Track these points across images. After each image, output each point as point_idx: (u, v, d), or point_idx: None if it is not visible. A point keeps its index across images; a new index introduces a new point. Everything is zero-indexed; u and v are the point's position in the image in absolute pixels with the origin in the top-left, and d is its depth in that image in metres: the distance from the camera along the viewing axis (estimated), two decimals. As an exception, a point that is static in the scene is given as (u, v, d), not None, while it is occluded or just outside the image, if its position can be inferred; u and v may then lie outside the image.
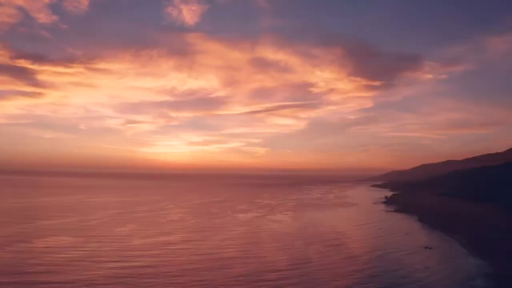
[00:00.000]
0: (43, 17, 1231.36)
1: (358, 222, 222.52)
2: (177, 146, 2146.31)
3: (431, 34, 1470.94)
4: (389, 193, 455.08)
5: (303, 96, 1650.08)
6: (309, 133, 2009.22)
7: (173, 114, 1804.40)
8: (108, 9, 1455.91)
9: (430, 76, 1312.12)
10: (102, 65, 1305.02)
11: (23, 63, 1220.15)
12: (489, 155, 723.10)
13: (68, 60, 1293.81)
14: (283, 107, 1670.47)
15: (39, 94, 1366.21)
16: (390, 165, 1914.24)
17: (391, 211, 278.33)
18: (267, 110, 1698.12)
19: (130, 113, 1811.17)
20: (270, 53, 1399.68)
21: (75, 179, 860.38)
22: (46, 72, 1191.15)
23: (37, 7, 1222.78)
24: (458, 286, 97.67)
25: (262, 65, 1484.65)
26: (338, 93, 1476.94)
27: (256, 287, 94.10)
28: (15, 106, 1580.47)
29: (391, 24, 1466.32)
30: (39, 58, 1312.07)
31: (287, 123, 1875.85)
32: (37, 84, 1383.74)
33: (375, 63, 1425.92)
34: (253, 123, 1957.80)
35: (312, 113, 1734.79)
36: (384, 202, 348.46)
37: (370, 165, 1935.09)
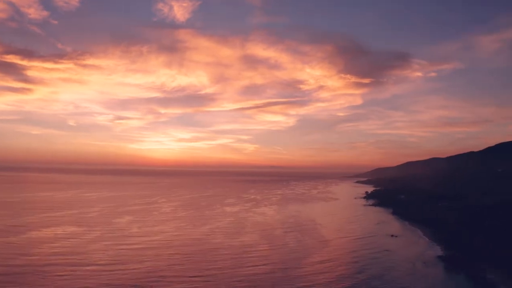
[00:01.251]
0: (34, 13, 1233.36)
1: (336, 214, 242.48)
2: (166, 143, 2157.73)
3: (420, 32, 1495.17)
4: (371, 189, 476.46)
5: (293, 93, 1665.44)
6: (298, 129, 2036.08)
7: (162, 110, 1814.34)
8: (99, 5, 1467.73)
9: (419, 74, 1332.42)
10: (91, 61, 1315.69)
11: (12, 58, 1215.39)
12: (471, 153, 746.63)
13: (57, 56, 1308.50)
14: (272, 104, 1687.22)
15: (28, 90, 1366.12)
16: (377, 162, 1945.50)
17: (369, 205, 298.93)
18: (256, 107, 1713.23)
19: (119, 109, 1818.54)
20: (260, 50, 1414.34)
21: (64, 175, 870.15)
22: (35, 68, 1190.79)
23: (27, 2, 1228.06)
24: (408, 264, 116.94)
25: (252, 62, 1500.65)
26: (327, 90, 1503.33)
27: (240, 263, 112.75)
28: (3, 102, 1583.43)
29: (381, 22, 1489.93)
30: (28, 54, 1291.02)
31: (277, 120, 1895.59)
32: (26, 80, 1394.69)
33: (365, 61, 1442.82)
34: (243, 120, 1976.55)
35: (302, 110, 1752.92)
36: (364, 197, 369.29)
37: (358, 162, 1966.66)
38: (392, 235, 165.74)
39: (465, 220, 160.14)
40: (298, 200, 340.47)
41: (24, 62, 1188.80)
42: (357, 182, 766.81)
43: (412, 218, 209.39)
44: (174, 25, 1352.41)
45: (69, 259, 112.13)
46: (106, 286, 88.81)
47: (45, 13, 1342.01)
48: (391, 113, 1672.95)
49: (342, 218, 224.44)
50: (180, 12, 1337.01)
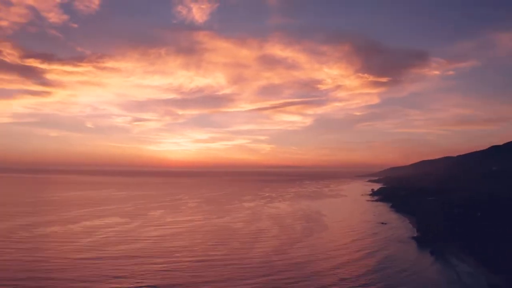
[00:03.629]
0: (54, 17, 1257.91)
1: (340, 208, 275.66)
2: (183, 144, 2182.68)
3: (438, 31, 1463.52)
4: (378, 187, 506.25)
5: (310, 93, 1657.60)
6: (315, 129, 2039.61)
7: (180, 111, 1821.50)
8: (119, 8, 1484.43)
9: (437, 72, 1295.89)
10: (110, 64, 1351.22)
11: (32, 62, 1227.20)
12: (476, 152, 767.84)
13: (77, 59, 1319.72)
14: (289, 104, 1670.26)
15: (47, 93, 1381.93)
16: (394, 161, 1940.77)
17: (372, 200, 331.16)
18: (273, 107, 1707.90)
19: (137, 111, 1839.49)
20: (278, 51, 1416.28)
21: (86, 177, 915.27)
22: (54, 71, 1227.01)
23: (48, 6, 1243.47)
24: (388, 243, 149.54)
25: (269, 62, 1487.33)
26: (344, 90, 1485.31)
27: (256, 239, 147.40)
28: (22, 105, 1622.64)
29: (398, 21, 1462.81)
30: (48, 57, 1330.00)
31: (293, 120, 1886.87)
32: (45, 83, 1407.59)
33: (382, 60, 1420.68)
34: (259, 120, 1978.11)
35: (319, 110, 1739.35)
36: (369, 194, 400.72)
37: (374, 161, 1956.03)
38: (382, 223, 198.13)
39: (442, 210, 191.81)
40: (309, 197, 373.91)
41: (44, 66, 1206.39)
42: (369, 181, 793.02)
43: (405, 210, 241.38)
44: (193, 27, 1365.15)
45: (126, 237, 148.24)
46: (160, 255, 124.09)
47: (65, 17, 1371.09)
48: (408, 112, 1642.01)
49: (345, 211, 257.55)
50: (198, 14, 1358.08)
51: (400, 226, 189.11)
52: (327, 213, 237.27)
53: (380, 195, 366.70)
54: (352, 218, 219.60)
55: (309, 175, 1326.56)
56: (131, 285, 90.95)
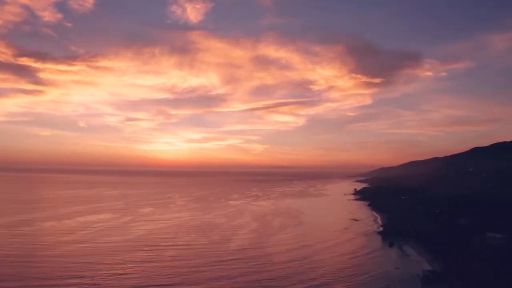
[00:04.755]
0: (48, 16, 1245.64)
1: (320, 206, 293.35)
2: (176, 143, 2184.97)
3: (431, 32, 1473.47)
4: (362, 187, 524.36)
5: (303, 94, 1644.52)
6: (307, 130, 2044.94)
7: (173, 111, 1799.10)
8: (113, 7, 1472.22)
9: (429, 73, 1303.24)
10: (103, 63, 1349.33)
11: (25, 61, 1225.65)
12: (460, 153, 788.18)
13: (70, 58, 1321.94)
14: (282, 104, 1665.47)
15: (40, 92, 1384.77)
16: (386, 162, 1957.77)
17: (353, 199, 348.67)
18: (266, 108, 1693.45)
19: (130, 110, 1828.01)
20: (272, 51, 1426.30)
21: (79, 176, 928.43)
22: (48, 70, 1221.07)
23: (42, 5, 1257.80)
24: (354, 237, 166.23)
25: (263, 62, 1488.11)
26: (337, 90, 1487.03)
27: (235, 232, 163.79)
28: (15, 104, 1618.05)
29: (392, 22, 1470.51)
30: (41, 56, 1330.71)
31: (286, 120, 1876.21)
32: (38, 82, 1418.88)
33: (375, 61, 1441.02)
34: (252, 120, 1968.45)
35: (311, 110, 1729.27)
36: (352, 194, 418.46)
37: (367, 162, 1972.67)
38: (355, 219, 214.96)
39: (409, 207, 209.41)
40: (293, 196, 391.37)
41: (37, 65, 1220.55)
42: (356, 181, 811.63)
43: (380, 208, 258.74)
44: (187, 27, 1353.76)
45: (117, 230, 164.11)
46: (146, 245, 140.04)
47: (59, 16, 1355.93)
48: (401, 113, 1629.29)
49: (324, 209, 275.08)
50: (193, 14, 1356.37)
51: (370, 223, 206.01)
52: (306, 211, 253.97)
53: (361, 195, 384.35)
54: (328, 215, 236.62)
55: (300, 175, 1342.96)
56: (122, 265, 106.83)
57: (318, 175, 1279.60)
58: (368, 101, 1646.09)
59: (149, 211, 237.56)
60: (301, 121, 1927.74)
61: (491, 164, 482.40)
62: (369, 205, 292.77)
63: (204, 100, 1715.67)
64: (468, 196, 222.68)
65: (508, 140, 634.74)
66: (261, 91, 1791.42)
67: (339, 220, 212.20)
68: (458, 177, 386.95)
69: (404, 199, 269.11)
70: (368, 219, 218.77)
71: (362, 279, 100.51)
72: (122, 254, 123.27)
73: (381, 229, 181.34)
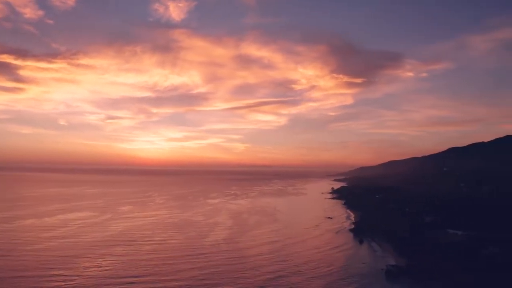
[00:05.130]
0: (29, 12, 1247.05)
1: (296, 205, 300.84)
2: (157, 142, 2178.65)
3: (413, 32, 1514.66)
4: (340, 186, 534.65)
5: (285, 93, 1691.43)
6: (289, 129, 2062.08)
7: (154, 110, 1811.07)
8: (95, 5, 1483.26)
9: (410, 74, 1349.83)
10: (85, 61, 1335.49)
11: (6, 58, 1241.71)
12: (437, 154, 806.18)
13: (51, 56, 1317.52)
14: (264, 103, 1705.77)
15: (20, 89, 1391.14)
16: (367, 161, 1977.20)
17: (330, 198, 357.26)
18: (248, 107, 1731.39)
19: (111, 108, 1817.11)
20: (254, 50, 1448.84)
21: (59, 175, 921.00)
22: (28, 67, 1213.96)
23: (23, 2, 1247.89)
24: (325, 233, 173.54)
25: (245, 61, 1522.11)
26: (319, 90, 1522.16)
27: (211, 230, 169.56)
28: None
29: (374, 23, 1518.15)
30: (22, 53, 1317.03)
31: (268, 119, 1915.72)
32: (18, 79, 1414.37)
33: (357, 61, 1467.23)
34: (234, 119, 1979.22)
35: (293, 110, 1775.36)
36: (329, 192, 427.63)
37: (348, 161, 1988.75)
38: (329, 217, 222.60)
39: (382, 206, 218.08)
40: (272, 195, 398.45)
41: (18, 62, 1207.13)
42: (335, 180, 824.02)
43: (354, 206, 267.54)
44: (169, 25, 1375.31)
45: (96, 227, 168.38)
46: (124, 241, 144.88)
47: (40, 13, 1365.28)
48: (382, 113, 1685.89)
49: (300, 207, 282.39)
50: (175, 12, 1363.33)
51: (343, 220, 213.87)
52: (282, 209, 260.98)
53: (338, 193, 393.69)
54: (303, 213, 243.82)
55: (281, 174, 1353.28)
56: (100, 259, 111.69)
57: (299, 174, 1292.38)
58: (349, 101, 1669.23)
59: (128, 209, 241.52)
60: (282, 121, 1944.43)
61: (467, 164, 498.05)
62: (344, 203, 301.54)
63: (185, 98, 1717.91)
64: (438, 195, 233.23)
65: (486, 140, 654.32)
66: (243, 90, 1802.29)
67: (313, 218, 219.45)
68: (433, 176, 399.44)
69: (378, 198, 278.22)
70: (341, 217, 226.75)
71: (326, 271, 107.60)
72: (101, 249, 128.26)
73: (353, 226, 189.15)
